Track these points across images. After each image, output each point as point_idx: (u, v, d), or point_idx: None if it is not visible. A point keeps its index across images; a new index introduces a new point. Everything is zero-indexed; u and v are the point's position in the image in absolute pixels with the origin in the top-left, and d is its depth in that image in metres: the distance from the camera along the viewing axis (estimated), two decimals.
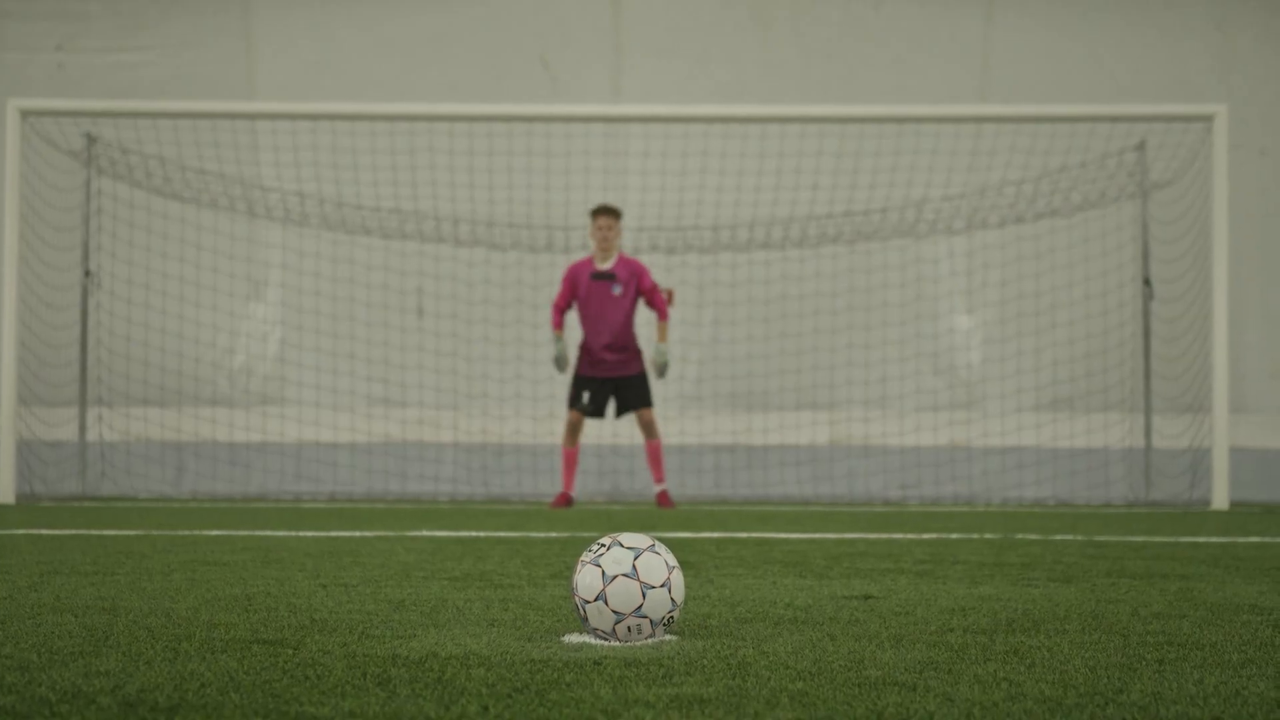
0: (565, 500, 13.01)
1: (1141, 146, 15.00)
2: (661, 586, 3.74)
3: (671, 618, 3.77)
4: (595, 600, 3.73)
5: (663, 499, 13.02)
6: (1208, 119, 13.82)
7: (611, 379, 12.92)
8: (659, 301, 12.93)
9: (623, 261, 12.92)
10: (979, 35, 16.44)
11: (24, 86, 15.91)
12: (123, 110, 14.04)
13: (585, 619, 3.75)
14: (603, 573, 3.74)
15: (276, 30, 16.32)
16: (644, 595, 3.73)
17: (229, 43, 16.32)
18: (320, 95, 15.96)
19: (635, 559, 3.75)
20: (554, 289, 15.53)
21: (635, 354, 12.97)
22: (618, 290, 12.85)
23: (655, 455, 13.05)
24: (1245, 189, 15.89)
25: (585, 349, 12.97)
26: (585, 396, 12.93)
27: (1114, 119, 14.28)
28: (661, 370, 13.11)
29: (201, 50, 16.29)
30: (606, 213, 12.93)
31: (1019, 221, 15.54)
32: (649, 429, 12.99)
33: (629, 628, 3.72)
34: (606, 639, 3.75)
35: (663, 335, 13.01)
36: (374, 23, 16.30)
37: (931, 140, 15.48)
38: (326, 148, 15.28)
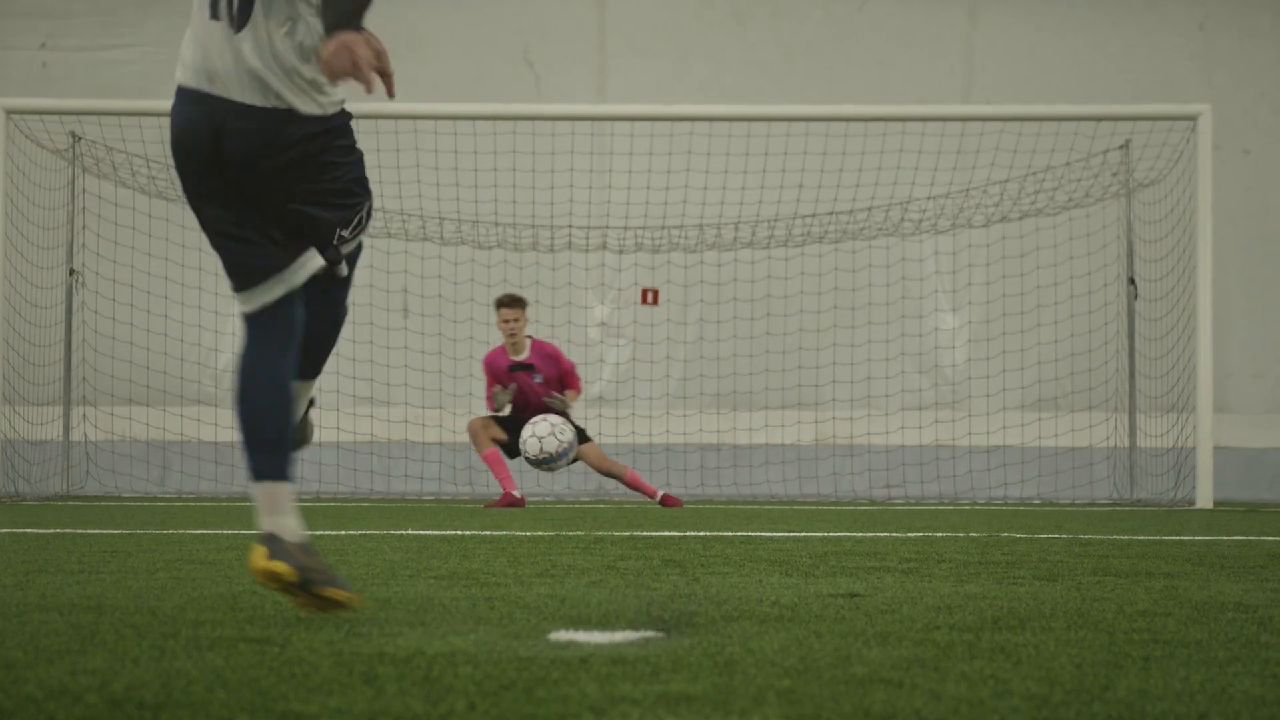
0: (509, 500, 12.48)
1: (1126, 146, 15.03)
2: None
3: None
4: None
5: (668, 500, 12.82)
6: (1191, 119, 13.85)
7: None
8: (574, 383, 12.70)
9: (536, 349, 12.65)
10: (963, 35, 16.47)
11: (7, 85, 15.87)
12: (107, 109, 13.99)
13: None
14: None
15: None
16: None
17: None
18: None
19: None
20: (540, 289, 15.56)
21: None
22: (539, 379, 12.63)
23: (635, 482, 12.76)
24: (1229, 188, 15.92)
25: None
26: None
27: (1098, 119, 14.30)
28: (562, 408, 12.54)
29: None
30: (511, 304, 12.58)
31: (1004, 221, 15.56)
32: (609, 468, 12.64)
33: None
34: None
35: (571, 400, 12.63)
36: None
37: (916, 140, 15.48)
38: None
